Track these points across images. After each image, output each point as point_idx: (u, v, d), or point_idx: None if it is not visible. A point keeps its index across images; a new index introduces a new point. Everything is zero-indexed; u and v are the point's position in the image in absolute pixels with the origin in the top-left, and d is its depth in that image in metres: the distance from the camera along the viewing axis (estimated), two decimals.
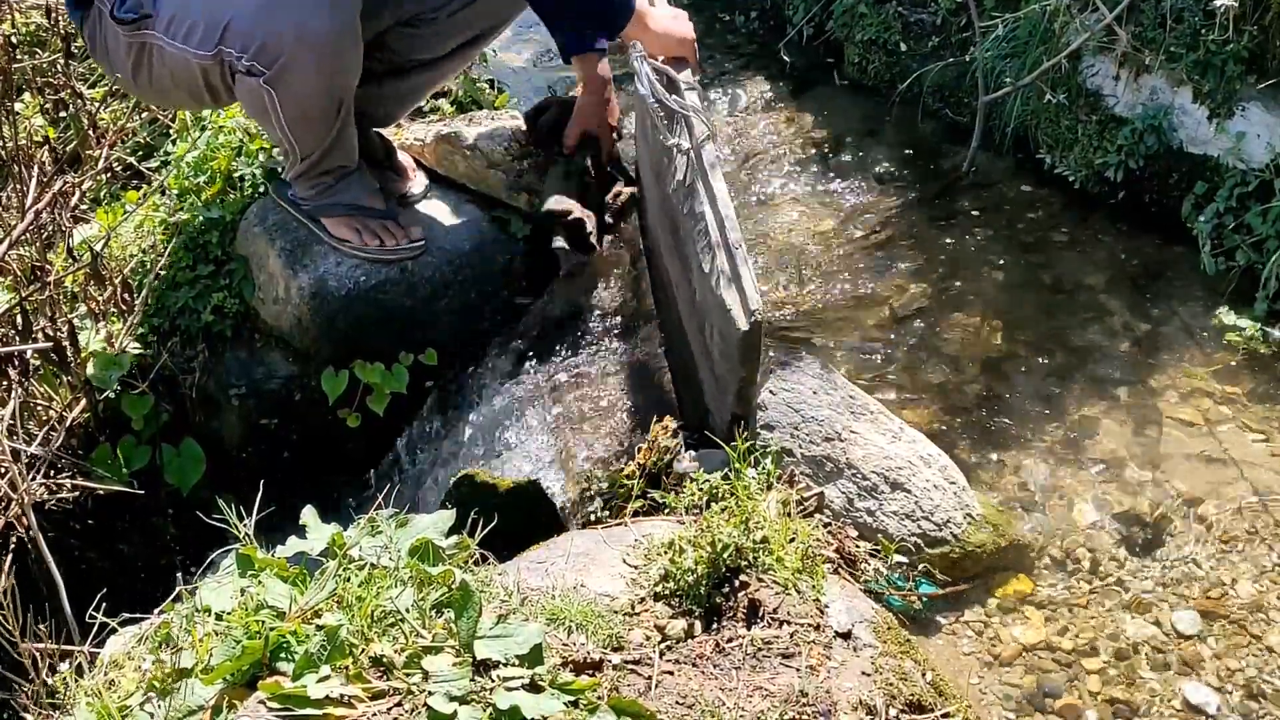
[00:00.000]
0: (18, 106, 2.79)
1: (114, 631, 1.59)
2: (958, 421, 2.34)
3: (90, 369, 2.29)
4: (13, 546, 2.08)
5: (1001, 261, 2.81)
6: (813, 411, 2.04)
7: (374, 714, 1.29)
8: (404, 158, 2.54)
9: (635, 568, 1.68)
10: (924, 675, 1.64)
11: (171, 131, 2.83)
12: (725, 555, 1.63)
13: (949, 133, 3.29)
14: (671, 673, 1.49)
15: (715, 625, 1.60)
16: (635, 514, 1.87)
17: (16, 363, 2.27)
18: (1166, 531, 2.08)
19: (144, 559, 2.40)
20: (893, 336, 2.59)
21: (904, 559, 1.94)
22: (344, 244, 2.33)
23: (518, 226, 2.48)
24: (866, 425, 2.06)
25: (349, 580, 1.45)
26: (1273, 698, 1.79)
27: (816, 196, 3.10)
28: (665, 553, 1.68)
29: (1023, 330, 2.59)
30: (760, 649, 1.54)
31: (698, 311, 2.03)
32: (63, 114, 2.91)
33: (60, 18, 3.05)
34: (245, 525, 1.55)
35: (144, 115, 2.92)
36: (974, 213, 3.00)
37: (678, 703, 1.43)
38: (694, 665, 1.52)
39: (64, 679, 1.50)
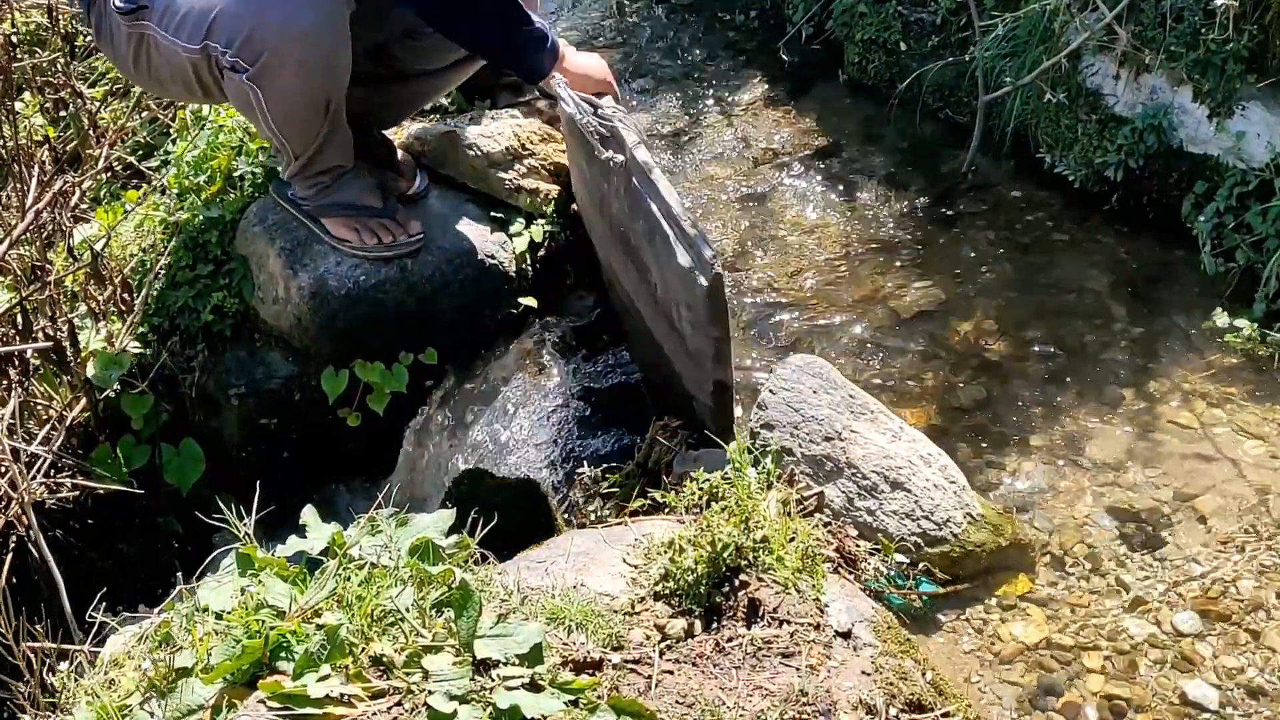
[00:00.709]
0: (18, 106, 2.79)
1: (114, 631, 1.59)
2: (958, 421, 2.34)
3: (90, 368, 2.29)
4: (13, 546, 2.08)
5: (1001, 261, 2.81)
6: (813, 411, 2.04)
7: (374, 713, 1.29)
8: (404, 157, 2.53)
9: (635, 567, 1.68)
10: (924, 674, 1.64)
11: (171, 131, 2.83)
12: (725, 555, 1.63)
13: (949, 132, 3.29)
14: (671, 672, 1.49)
15: (715, 625, 1.60)
16: (635, 513, 1.87)
17: (17, 362, 2.27)
18: (1166, 530, 2.08)
19: (144, 559, 2.40)
20: (892, 336, 2.59)
21: (904, 558, 1.94)
22: (343, 243, 2.33)
23: (518, 225, 2.48)
24: (866, 424, 2.06)
25: (349, 579, 1.45)
26: (1272, 695, 1.79)
27: (816, 196, 3.10)
28: (665, 552, 1.68)
29: (1023, 330, 2.59)
30: (760, 648, 1.54)
31: (662, 306, 2.03)
32: (63, 113, 2.91)
33: (61, 17, 3.05)
34: (245, 525, 1.55)
35: (144, 115, 2.92)
36: (974, 212, 3.00)
37: (678, 702, 1.43)
38: (694, 664, 1.52)
39: (63, 678, 1.50)
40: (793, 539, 1.72)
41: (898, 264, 2.82)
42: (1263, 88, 2.66)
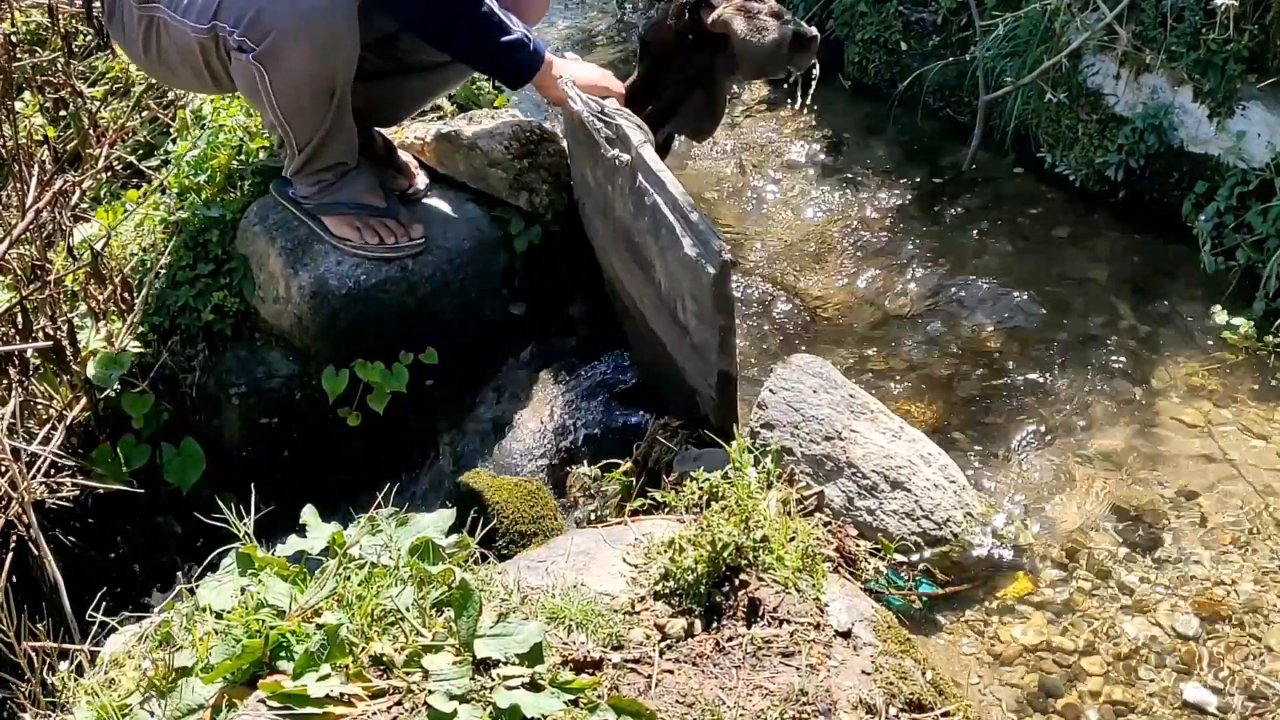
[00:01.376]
0: (18, 105, 2.79)
1: (114, 630, 1.59)
2: (958, 420, 2.35)
3: (90, 368, 2.29)
4: (13, 545, 2.08)
5: (1002, 260, 2.81)
6: (813, 410, 2.04)
7: (374, 713, 1.29)
8: (404, 156, 2.53)
9: (635, 566, 1.68)
10: (924, 674, 1.64)
11: (172, 130, 2.83)
12: (725, 554, 1.63)
13: (949, 132, 3.30)
14: (671, 671, 1.49)
15: (715, 624, 1.60)
16: (635, 513, 1.87)
17: (17, 361, 2.27)
18: (1166, 531, 2.08)
19: (144, 558, 2.40)
20: (893, 335, 2.59)
21: (904, 558, 1.94)
22: (344, 242, 2.33)
23: (518, 225, 2.48)
24: (866, 424, 2.06)
25: (349, 579, 1.45)
26: (1272, 698, 1.79)
27: (817, 194, 3.10)
28: (665, 551, 1.68)
29: (1023, 329, 2.59)
30: (760, 648, 1.54)
31: (666, 302, 2.04)
32: (63, 113, 2.91)
33: (60, 16, 3.05)
34: (245, 524, 1.55)
35: (144, 114, 2.92)
36: (974, 211, 3.00)
37: (678, 701, 1.43)
38: (694, 664, 1.52)
39: (63, 678, 1.50)
40: (793, 538, 1.71)
41: (898, 261, 2.82)
42: (1263, 88, 2.67)
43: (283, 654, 1.35)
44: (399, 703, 1.30)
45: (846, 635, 1.61)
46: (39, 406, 2.29)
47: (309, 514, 1.57)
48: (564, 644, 1.47)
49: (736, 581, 1.64)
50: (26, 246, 2.41)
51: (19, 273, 2.39)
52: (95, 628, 1.64)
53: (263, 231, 2.38)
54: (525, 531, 1.97)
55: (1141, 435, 2.29)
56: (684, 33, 2.37)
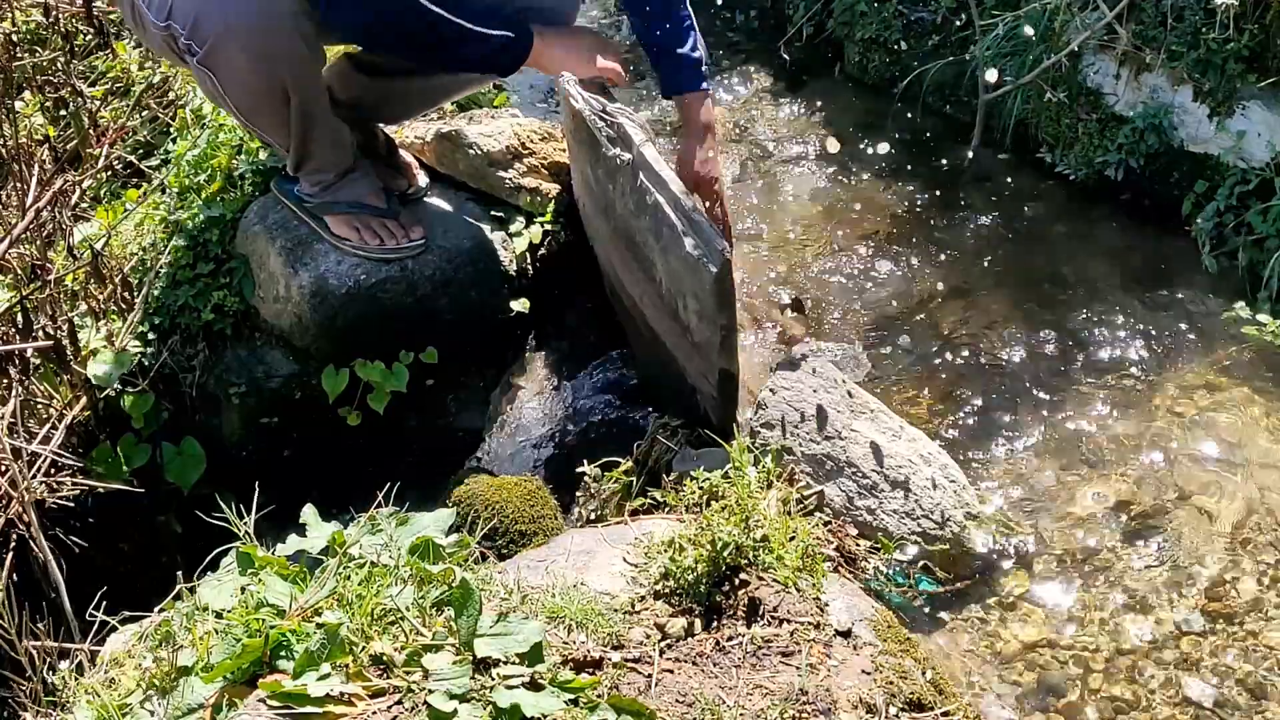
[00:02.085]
0: (18, 105, 2.79)
1: (114, 630, 1.59)
2: (958, 418, 2.35)
3: (91, 367, 2.29)
4: (13, 544, 2.08)
5: (1002, 259, 2.81)
6: (813, 410, 2.04)
7: (374, 712, 1.29)
8: (405, 155, 2.53)
9: (635, 566, 1.68)
10: (924, 673, 1.64)
11: (172, 130, 2.83)
12: (725, 553, 1.63)
13: (949, 131, 3.30)
14: (671, 671, 1.49)
15: (715, 623, 1.60)
16: (635, 512, 1.87)
17: (17, 361, 2.27)
18: (1167, 529, 2.08)
19: (144, 557, 2.40)
20: (893, 333, 2.59)
21: (904, 557, 1.94)
22: (344, 242, 2.33)
23: (518, 225, 2.48)
24: (866, 423, 2.06)
25: (349, 578, 1.45)
26: (1273, 695, 1.79)
27: (817, 193, 3.10)
28: (665, 551, 1.68)
29: (1024, 327, 2.59)
30: (760, 647, 1.54)
31: (667, 301, 2.04)
32: (63, 112, 2.91)
33: (60, 16, 3.05)
34: (245, 523, 1.55)
35: (144, 113, 2.92)
36: (975, 210, 3.00)
37: (678, 701, 1.43)
38: (694, 663, 1.52)
39: (64, 677, 1.50)
40: (793, 538, 1.72)
41: (898, 261, 2.82)
42: (1263, 87, 2.67)
43: (283, 653, 1.35)
44: (399, 702, 1.30)
45: (847, 635, 1.61)
46: (39, 406, 2.29)
47: (309, 513, 1.57)
48: (564, 643, 1.47)
49: (736, 581, 1.64)
50: (27, 246, 2.41)
51: (19, 272, 2.39)
52: (95, 627, 1.64)
53: (263, 231, 2.38)
54: (525, 531, 1.98)
55: (1142, 433, 2.29)
56: None
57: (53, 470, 2.19)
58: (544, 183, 2.51)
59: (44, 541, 2.02)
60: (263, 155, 2.53)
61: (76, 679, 1.49)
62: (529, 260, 2.48)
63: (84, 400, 2.30)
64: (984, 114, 3.10)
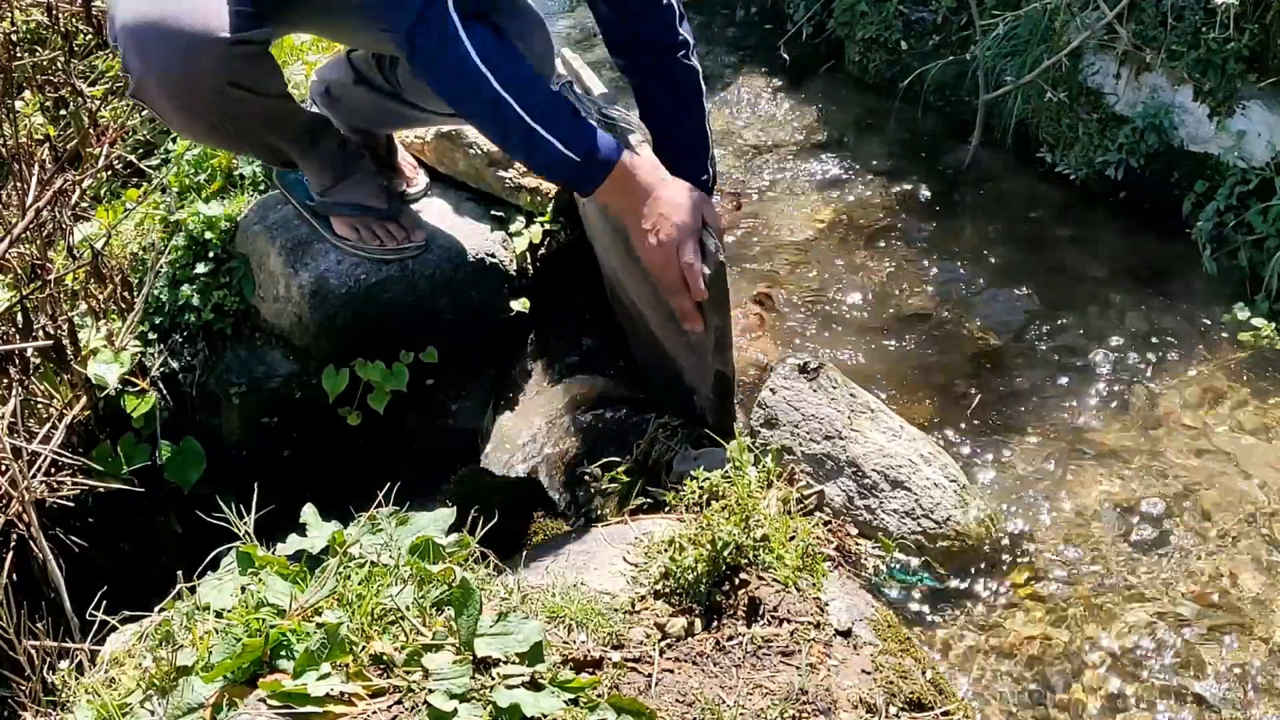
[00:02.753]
0: (18, 104, 2.79)
1: (114, 629, 1.59)
2: (958, 417, 2.35)
3: (91, 367, 2.29)
4: (13, 544, 2.08)
5: (1002, 258, 2.81)
6: (813, 409, 2.04)
7: (374, 712, 1.29)
8: (405, 156, 2.53)
9: (635, 565, 1.68)
10: (924, 673, 1.64)
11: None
12: (725, 553, 1.63)
13: (950, 131, 3.30)
14: (671, 670, 1.49)
15: (715, 623, 1.60)
16: (635, 512, 1.87)
17: (17, 360, 2.27)
18: (1167, 526, 2.08)
19: (144, 557, 2.40)
20: (893, 331, 2.59)
21: (904, 556, 1.94)
22: (345, 242, 2.33)
23: (518, 224, 2.48)
24: (866, 423, 2.06)
25: (349, 578, 1.45)
26: (1273, 692, 1.79)
27: (816, 191, 3.10)
28: (665, 550, 1.68)
29: (1023, 327, 2.59)
30: (760, 647, 1.54)
31: (664, 301, 2.03)
32: (63, 112, 2.91)
33: (60, 16, 3.05)
34: (245, 523, 1.55)
35: (144, 113, 2.92)
36: (974, 210, 3.00)
37: (678, 700, 1.43)
38: (694, 663, 1.52)
39: (63, 676, 1.50)
40: (793, 537, 1.72)
41: (898, 258, 2.82)
42: (1263, 87, 2.67)
43: (283, 653, 1.35)
44: (399, 701, 1.30)
45: (847, 634, 1.61)
46: (39, 405, 2.29)
47: (309, 513, 1.57)
48: (564, 643, 1.47)
49: (736, 580, 1.64)
50: (27, 245, 2.41)
51: (19, 272, 2.39)
52: (95, 626, 1.64)
53: (263, 230, 2.38)
54: (525, 531, 1.98)
55: (1142, 432, 2.29)
56: None
57: (53, 470, 2.20)
58: (544, 182, 2.51)
59: (44, 541, 2.02)
60: None
61: (76, 679, 1.49)
62: (529, 260, 2.48)
63: (84, 400, 2.30)
64: (984, 114, 3.10)
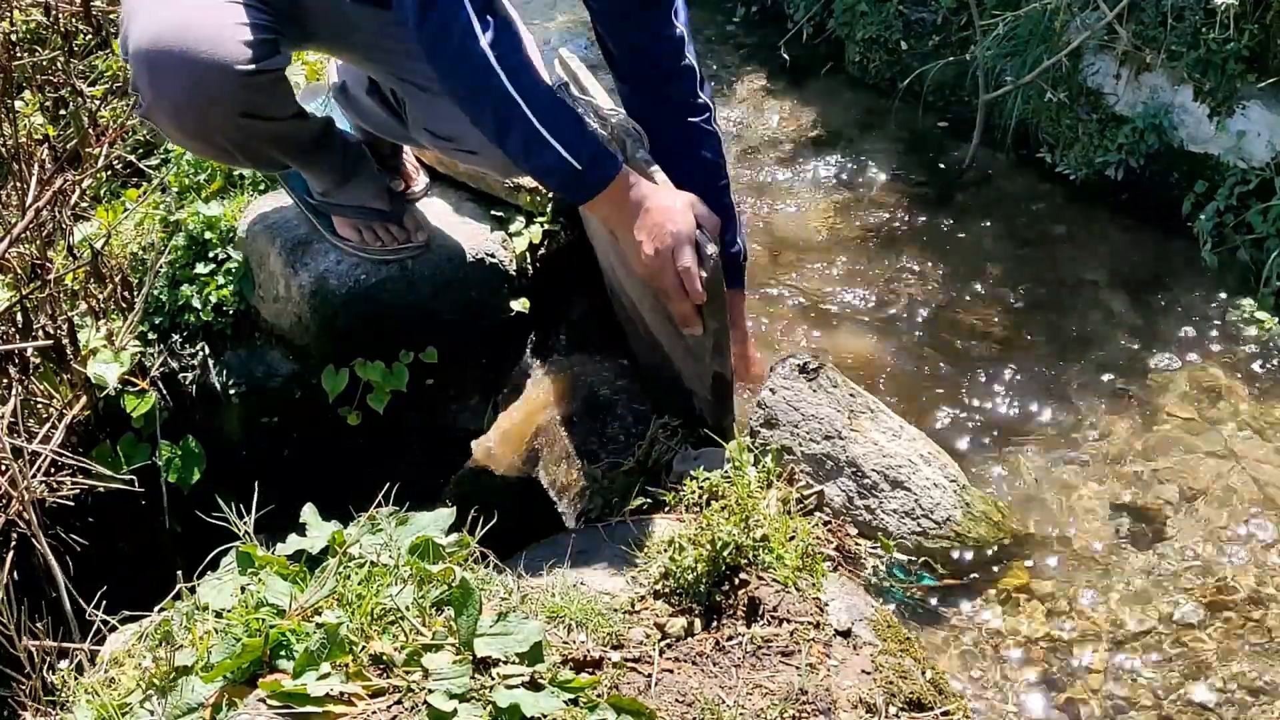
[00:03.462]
0: (18, 104, 2.79)
1: (114, 629, 1.59)
2: (958, 416, 2.35)
3: (90, 366, 2.29)
4: (14, 543, 2.08)
5: (1002, 258, 2.82)
6: (812, 409, 2.04)
7: (374, 711, 1.29)
8: (406, 156, 2.53)
9: (635, 565, 1.68)
10: (924, 673, 1.64)
11: None
12: (725, 553, 1.63)
13: (950, 130, 3.30)
14: (671, 670, 1.49)
15: (715, 623, 1.60)
16: (635, 512, 1.87)
17: (17, 360, 2.27)
18: (1167, 524, 2.08)
19: (144, 557, 2.40)
20: (893, 332, 2.59)
21: (904, 556, 1.94)
22: (346, 242, 2.33)
23: (518, 224, 2.48)
24: (866, 423, 2.06)
25: (349, 578, 1.45)
26: (1273, 691, 1.79)
27: (816, 190, 3.10)
28: (665, 550, 1.68)
29: (1023, 325, 2.59)
30: (760, 647, 1.54)
31: (662, 303, 2.03)
32: (63, 112, 2.91)
33: (60, 16, 3.05)
34: (245, 523, 1.55)
35: None
36: (975, 210, 3.00)
37: (677, 700, 1.43)
38: (694, 663, 1.52)
39: (63, 676, 1.50)
40: (792, 537, 1.72)
41: (898, 257, 2.82)
42: (1263, 87, 2.67)
43: (283, 653, 1.35)
44: (399, 701, 1.30)
45: (846, 634, 1.61)
46: (39, 405, 2.30)
47: (309, 513, 1.57)
48: (564, 643, 1.47)
49: (736, 580, 1.64)
50: (26, 245, 2.41)
51: (19, 271, 2.39)
52: (95, 626, 1.64)
53: (263, 230, 2.38)
54: (525, 530, 1.97)
55: (1143, 431, 2.29)
56: None
57: (53, 469, 2.20)
58: None
59: (44, 540, 2.02)
60: None
61: (76, 678, 1.49)
62: (529, 260, 2.48)
63: (84, 400, 2.30)
64: (984, 114, 3.10)
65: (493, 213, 2.49)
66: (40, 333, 2.29)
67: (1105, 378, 2.43)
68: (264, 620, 1.38)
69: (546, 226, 2.50)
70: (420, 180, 2.51)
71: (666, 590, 1.63)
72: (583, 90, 2.33)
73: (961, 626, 1.91)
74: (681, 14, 2.04)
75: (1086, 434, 2.29)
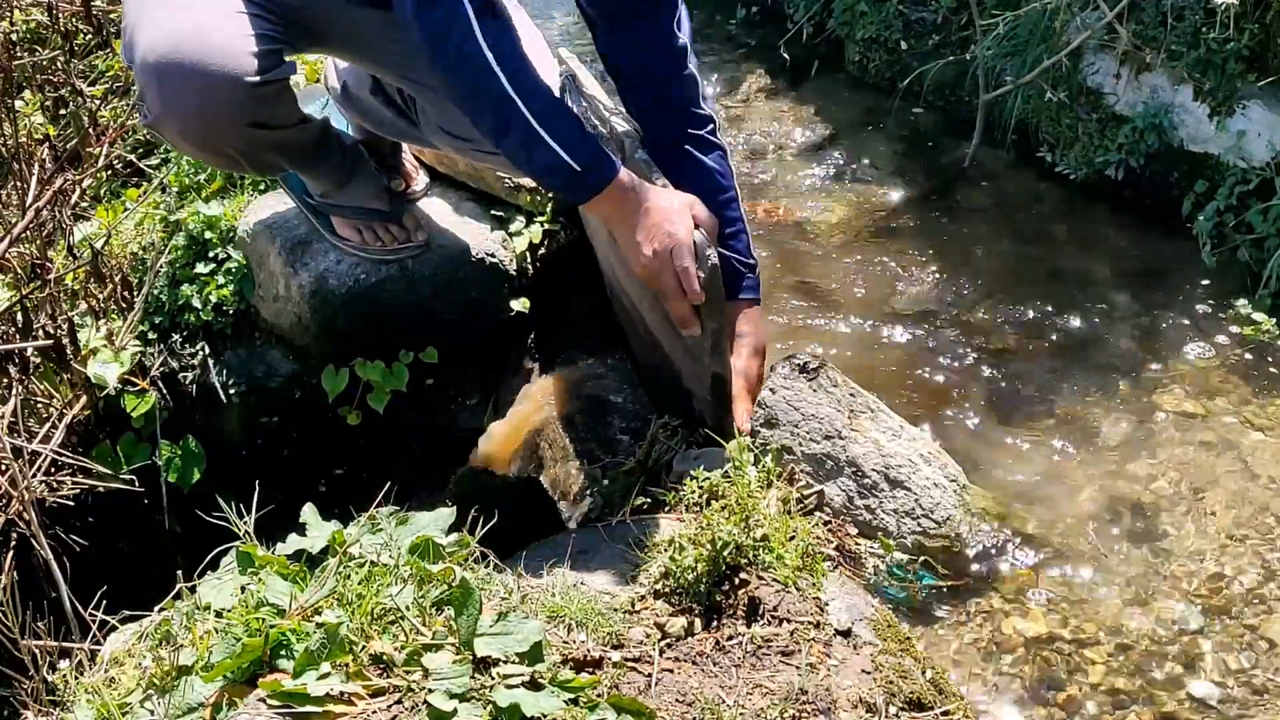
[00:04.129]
0: (18, 104, 2.79)
1: (114, 629, 1.59)
2: (959, 415, 2.35)
3: (90, 366, 2.29)
4: (14, 543, 2.08)
5: (1002, 258, 2.81)
6: (812, 409, 2.04)
7: (374, 711, 1.29)
8: (406, 155, 2.53)
9: (635, 565, 1.68)
10: (924, 673, 1.64)
11: None
12: (725, 553, 1.63)
13: (950, 130, 3.30)
14: (671, 670, 1.49)
15: (715, 623, 1.60)
16: (635, 511, 1.87)
17: (17, 360, 2.28)
18: (1168, 523, 2.08)
19: (144, 557, 2.40)
20: (892, 332, 2.59)
21: (905, 555, 1.94)
22: (345, 242, 2.33)
23: (517, 224, 2.48)
24: (866, 422, 2.06)
25: (349, 578, 1.45)
26: (1273, 691, 1.79)
27: (816, 190, 3.10)
28: (665, 550, 1.68)
29: (1023, 325, 2.59)
30: (760, 646, 1.54)
31: (661, 303, 2.04)
32: (63, 111, 2.91)
33: (60, 15, 3.05)
34: (245, 523, 1.55)
35: None
36: (975, 209, 3.00)
37: (678, 700, 1.43)
38: (694, 663, 1.52)
39: (64, 676, 1.50)
40: (793, 537, 1.72)
41: (898, 258, 2.82)
42: (1263, 86, 2.67)
43: (283, 652, 1.35)
44: (399, 701, 1.30)
45: (846, 634, 1.61)
46: (39, 405, 2.30)
47: (309, 513, 1.57)
48: (564, 642, 1.47)
49: (736, 580, 1.64)
50: (27, 245, 2.41)
51: (19, 271, 2.40)
52: (96, 626, 1.65)
53: (263, 230, 2.38)
54: (525, 530, 1.97)
55: (1143, 430, 2.29)
56: None
57: (53, 469, 2.20)
58: None
59: (44, 540, 2.02)
60: None
61: (77, 678, 1.49)
62: (529, 260, 2.48)
63: (84, 399, 2.30)
64: (984, 113, 3.10)
65: (493, 212, 2.50)
66: (40, 332, 2.29)
67: (1106, 376, 2.43)
68: (264, 620, 1.38)
69: (546, 226, 2.50)
70: (420, 180, 2.51)
71: (666, 590, 1.63)
72: (581, 85, 2.33)
73: (961, 626, 1.91)
74: (684, 25, 2.04)
75: (1087, 433, 2.29)
